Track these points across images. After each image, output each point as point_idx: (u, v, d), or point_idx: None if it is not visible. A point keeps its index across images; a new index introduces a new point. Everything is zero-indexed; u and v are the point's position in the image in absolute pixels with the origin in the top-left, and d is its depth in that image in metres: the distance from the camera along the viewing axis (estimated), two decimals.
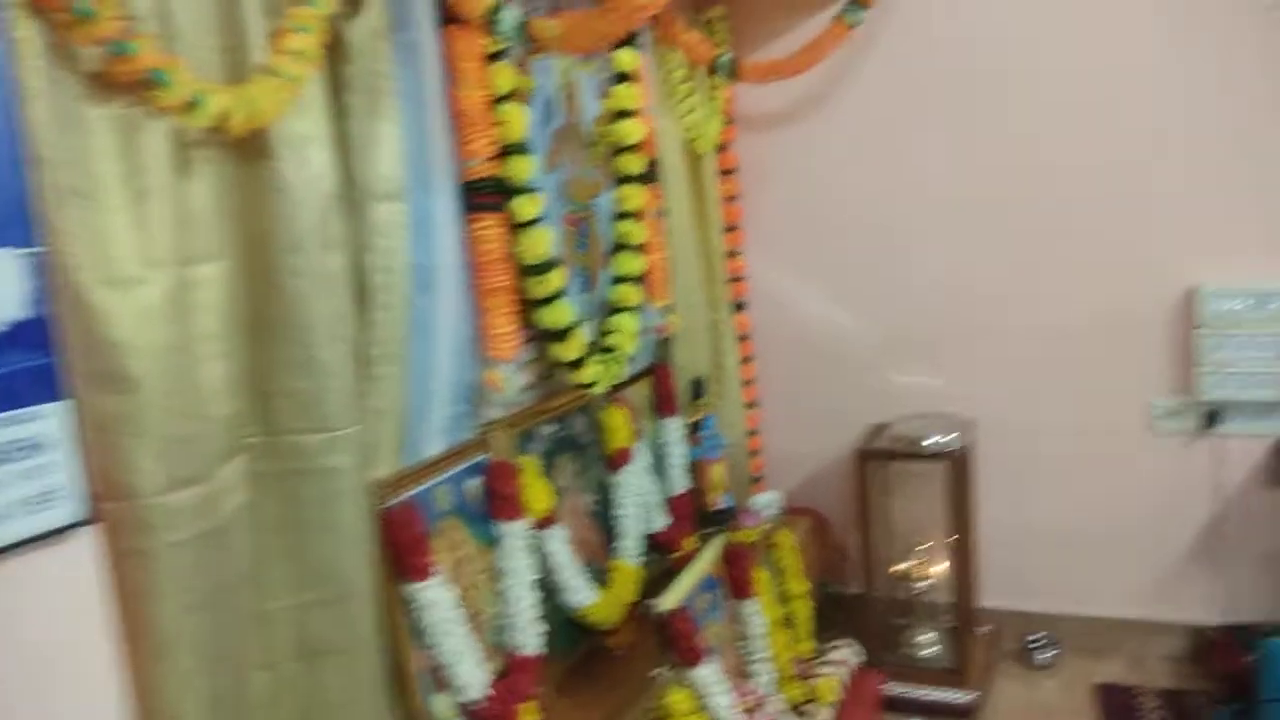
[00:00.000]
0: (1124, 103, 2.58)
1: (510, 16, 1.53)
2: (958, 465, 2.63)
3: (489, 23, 1.54)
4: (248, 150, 1.34)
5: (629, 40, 2.28)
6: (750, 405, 3.10)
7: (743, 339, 3.06)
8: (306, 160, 1.38)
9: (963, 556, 2.73)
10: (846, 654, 2.53)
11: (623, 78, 2.29)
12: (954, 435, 2.65)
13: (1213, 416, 2.60)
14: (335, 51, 1.48)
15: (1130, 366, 2.68)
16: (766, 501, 2.70)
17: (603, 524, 2.26)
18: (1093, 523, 2.80)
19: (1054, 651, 2.77)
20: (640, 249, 2.32)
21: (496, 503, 1.81)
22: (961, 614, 2.74)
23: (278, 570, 1.41)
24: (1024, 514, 2.88)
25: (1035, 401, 2.81)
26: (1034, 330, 2.78)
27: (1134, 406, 2.70)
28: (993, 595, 2.93)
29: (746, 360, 3.08)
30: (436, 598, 1.62)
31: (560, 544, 1.97)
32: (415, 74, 1.66)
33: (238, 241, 1.35)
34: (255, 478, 1.38)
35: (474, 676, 1.66)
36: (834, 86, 2.90)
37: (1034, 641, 2.80)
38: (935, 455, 2.63)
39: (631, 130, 2.28)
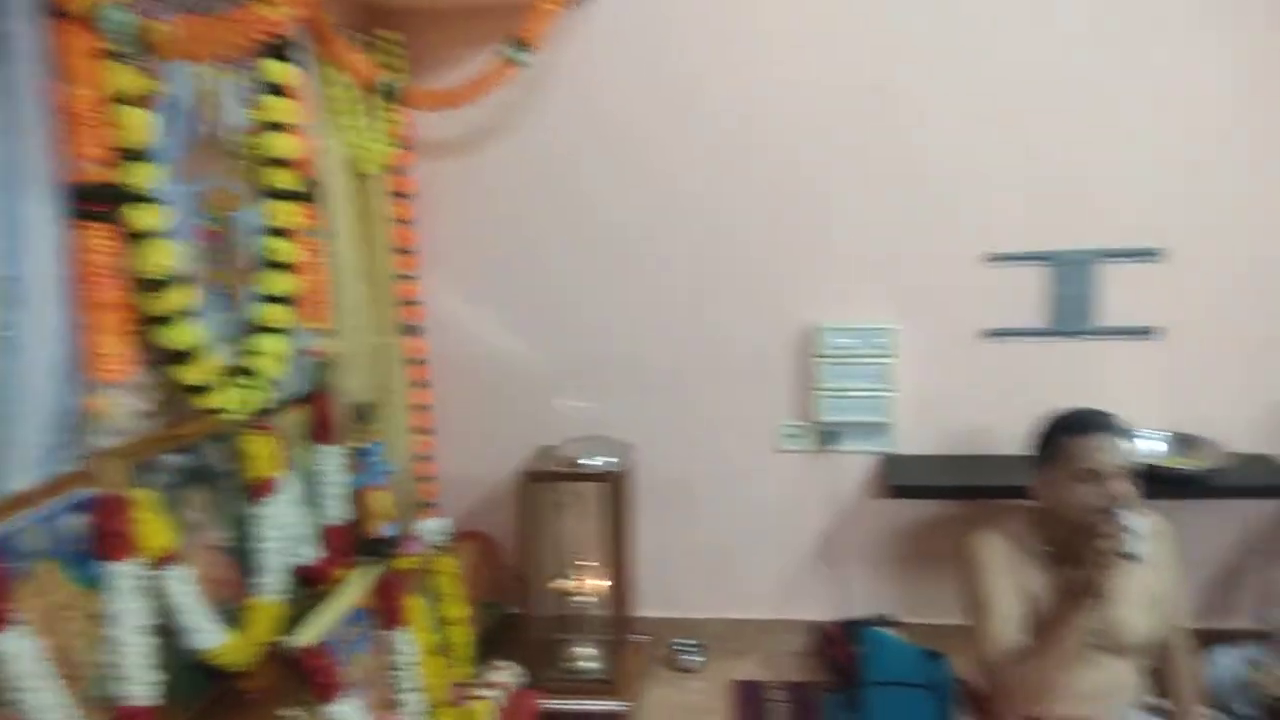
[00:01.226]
0: (767, 160, 2.88)
1: (118, 15, 1.42)
2: (615, 485, 2.78)
3: (95, 20, 1.43)
4: None
5: (280, 52, 2.20)
6: (423, 431, 3.08)
7: (416, 364, 3.04)
8: None
9: (620, 571, 2.88)
10: (506, 675, 2.57)
11: (274, 90, 2.20)
12: (613, 457, 2.79)
13: (829, 436, 2.96)
14: None
15: (762, 393, 2.99)
16: (433, 527, 2.68)
17: (244, 559, 2.13)
18: (732, 534, 3.09)
19: (701, 655, 2.99)
20: (291, 268, 2.23)
21: (103, 541, 1.65)
22: (618, 626, 2.89)
23: None
24: (675, 528, 3.10)
25: (683, 425, 3.05)
26: (682, 360, 3.02)
27: (765, 428, 3.01)
28: (650, 606, 3.13)
29: (420, 385, 3.06)
30: (19, 649, 1.45)
31: (183, 584, 1.83)
32: (9, 67, 1.50)
33: None
34: None
35: None
36: (511, 119, 2.97)
37: (683, 647, 3.01)
38: (595, 476, 2.76)
39: (282, 144, 2.19)
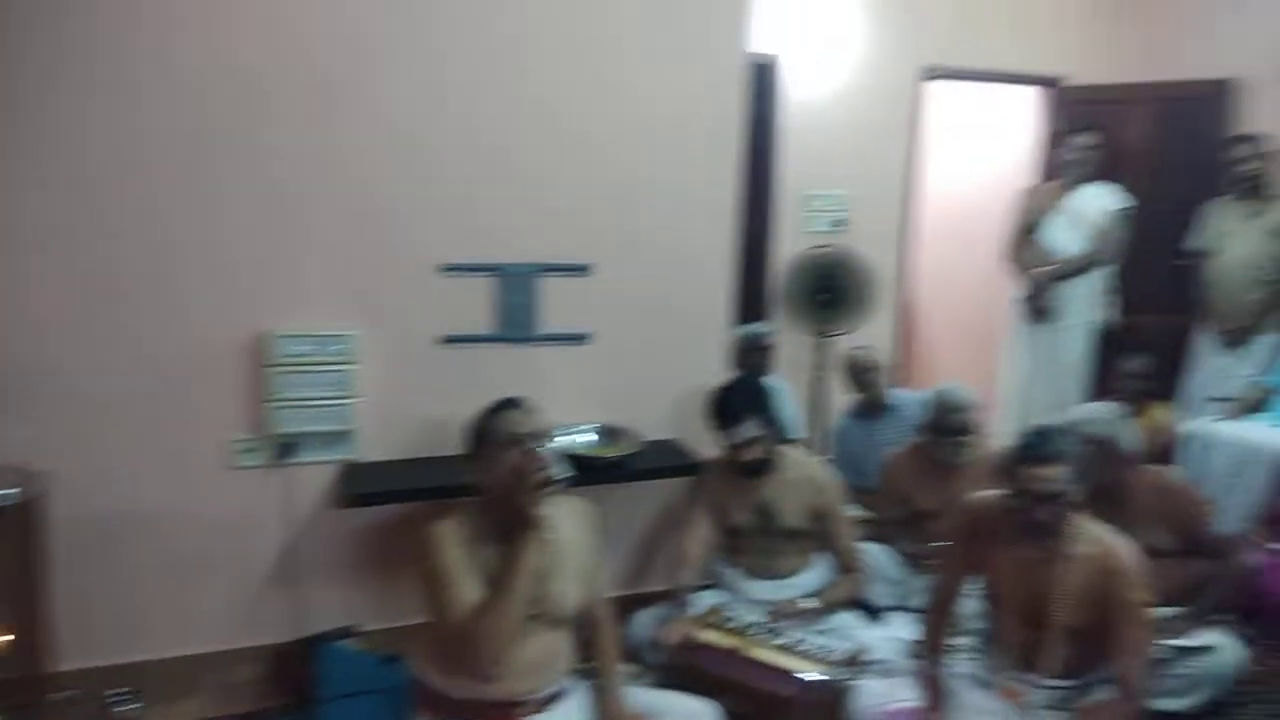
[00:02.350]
0: (212, 153, 2.66)
1: None
2: (19, 522, 2.36)
3: None
4: None
5: None
6: None
7: None
8: None
9: (30, 622, 2.45)
10: None
11: None
12: (10, 490, 2.36)
13: (286, 448, 2.83)
14: None
15: (210, 406, 2.76)
16: None
17: None
18: (178, 563, 2.81)
19: (138, 703, 2.67)
20: None
21: None
22: (28, 686, 2.46)
23: None
24: (109, 565, 2.73)
25: (115, 447, 2.69)
26: (111, 374, 2.66)
27: (214, 444, 2.78)
28: (77, 657, 2.71)
29: None
30: None
31: None
32: None
33: None
34: None
35: None
36: None
37: (116, 697, 2.66)
38: None
39: None
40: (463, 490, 2.24)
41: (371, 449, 2.94)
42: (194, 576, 2.83)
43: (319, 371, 2.82)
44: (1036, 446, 2.25)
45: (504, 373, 3.04)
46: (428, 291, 2.95)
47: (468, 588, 2.05)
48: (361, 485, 2.81)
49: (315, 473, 2.90)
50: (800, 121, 4.71)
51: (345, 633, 2.85)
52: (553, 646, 2.19)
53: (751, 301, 4.59)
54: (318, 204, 2.79)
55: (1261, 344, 4.36)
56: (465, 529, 2.11)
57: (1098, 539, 2.30)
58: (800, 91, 4.69)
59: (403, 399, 2.96)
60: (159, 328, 2.68)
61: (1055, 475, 2.20)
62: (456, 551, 2.07)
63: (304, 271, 2.81)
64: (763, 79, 4.57)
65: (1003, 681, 2.39)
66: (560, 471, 2.08)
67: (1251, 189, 4.35)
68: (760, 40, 4.38)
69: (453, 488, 2.77)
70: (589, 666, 2.33)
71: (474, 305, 3.01)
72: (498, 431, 2.14)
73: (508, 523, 2.09)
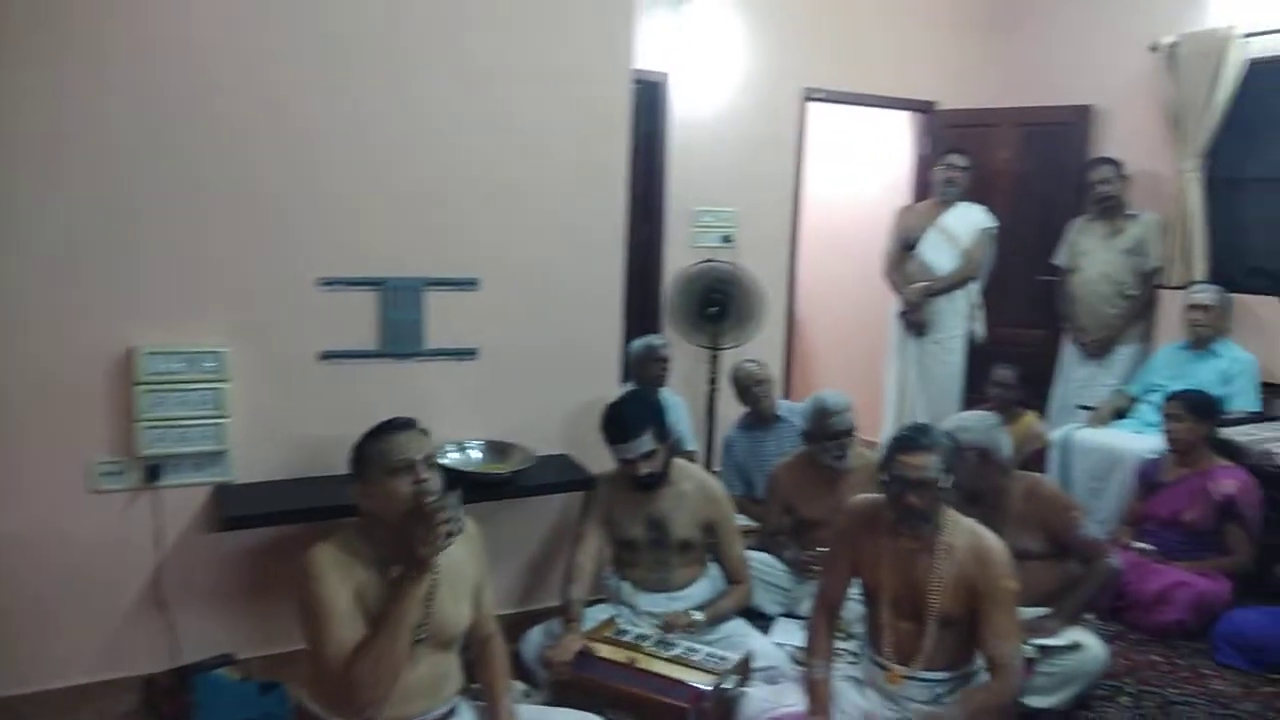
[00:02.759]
0: (72, 164, 2.52)
1: None
2: None
3: None
4: None
5: None
6: None
7: None
8: None
9: None
10: None
11: None
12: None
13: (154, 471, 2.69)
14: None
15: (68, 428, 2.60)
16: None
17: None
18: (37, 594, 2.63)
19: None
20: None
21: None
22: None
23: None
24: None
25: None
26: None
27: (74, 468, 2.62)
28: None
29: None
30: None
31: None
32: None
33: None
34: None
35: None
36: None
37: None
38: None
39: None
40: (343, 511, 2.16)
41: (246, 470, 2.82)
42: (57, 605, 2.65)
43: (190, 390, 2.69)
44: (910, 437, 2.37)
45: (387, 390, 2.96)
46: (306, 306, 2.85)
47: (348, 626, 1.95)
48: (235, 507, 2.69)
49: (187, 495, 2.76)
50: (688, 138, 4.79)
51: (222, 661, 2.72)
52: (441, 668, 2.14)
53: (644, 315, 4.63)
54: (190, 214, 2.67)
55: (1123, 354, 4.66)
56: (345, 552, 2.03)
57: (969, 529, 2.41)
58: (689, 109, 4.78)
59: (279, 418, 2.85)
60: (19, 341, 2.53)
61: (927, 463, 2.32)
62: (335, 577, 1.98)
63: (175, 285, 2.68)
64: (653, 96, 4.65)
65: (884, 669, 2.44)
66: (458, 523, 2.00)
67: (1110, 209, 4.65)
68: (650, 59, 4.46)
69: (332, 509, 2.69)
70: (479, 686, 2.29)
71: (356, 320, 2.93)
72: (387, 455, 2.04)
73: (392, 548, 2.02)
